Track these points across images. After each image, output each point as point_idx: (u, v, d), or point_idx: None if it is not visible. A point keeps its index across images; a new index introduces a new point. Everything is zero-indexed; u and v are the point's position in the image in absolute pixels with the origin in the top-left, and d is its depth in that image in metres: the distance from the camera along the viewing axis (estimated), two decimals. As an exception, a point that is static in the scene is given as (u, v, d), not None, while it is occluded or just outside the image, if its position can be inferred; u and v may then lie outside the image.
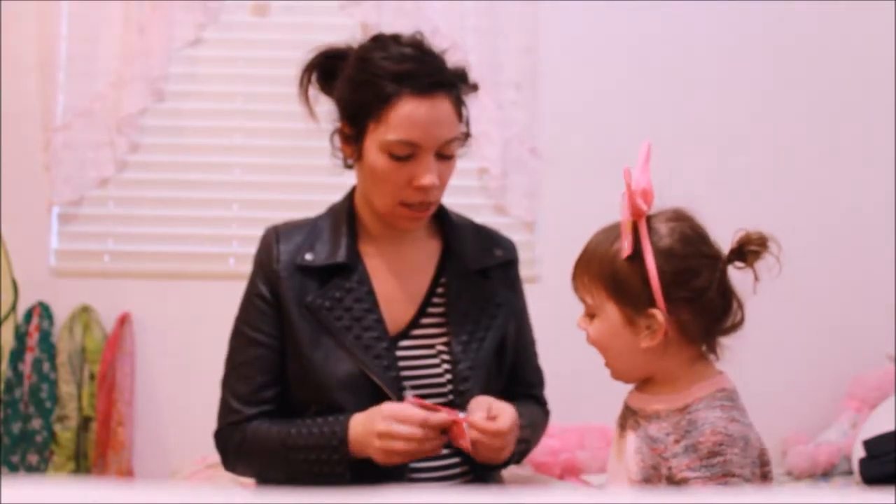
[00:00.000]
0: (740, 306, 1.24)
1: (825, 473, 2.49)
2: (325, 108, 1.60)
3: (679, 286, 1.20)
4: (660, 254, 1.21)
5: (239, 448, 1.53)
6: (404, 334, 1.54)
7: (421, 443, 1.37)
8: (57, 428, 2.63)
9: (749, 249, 1.22)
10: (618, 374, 1.30)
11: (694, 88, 2.86)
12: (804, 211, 2.80)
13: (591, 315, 1.28)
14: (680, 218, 1.25)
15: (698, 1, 2.86)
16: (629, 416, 1.27)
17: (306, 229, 1.57)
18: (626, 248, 1.21)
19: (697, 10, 2.86)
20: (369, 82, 1.46)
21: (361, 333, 1.49)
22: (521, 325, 1.68)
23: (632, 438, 1.24)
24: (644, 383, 1.29)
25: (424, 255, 1.61)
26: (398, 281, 1.57)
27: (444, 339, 1.54)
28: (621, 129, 2.84)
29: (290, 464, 1.47)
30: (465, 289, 1.58)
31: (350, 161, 1.58)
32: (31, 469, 2.60)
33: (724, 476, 1.13)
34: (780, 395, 2.61)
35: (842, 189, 2.84)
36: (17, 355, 2.65)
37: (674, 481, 1.17)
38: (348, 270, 1.53)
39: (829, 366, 2.73)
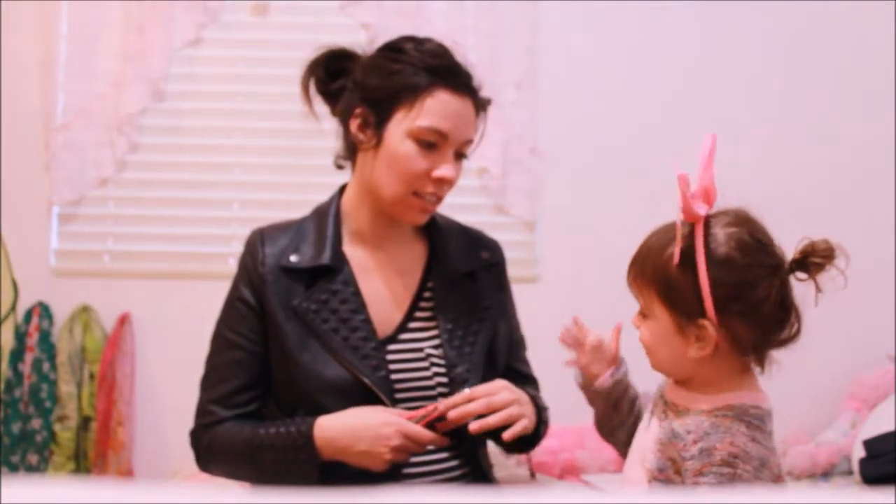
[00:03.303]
0: (798, 318, 1.19)
1: (825, 473, 2.49)
2: (325, 108, 1.61)
3: (734, 299, 1.15)
4: (715, 263, 1.15)
5: (209, 448, 1.53)
6: (392, 338, 1.53)
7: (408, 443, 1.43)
8: (57, 428, 2.63)
9: (812, 261, 1.17)
10: (660, 370, 1.27)
11: (693, 88, 2.86)
12: (804, 211, 2.80)
13: (643, 314, 1.24)
14: (740, 222, 1.19)
15: (698, 1, 2.86)
16: (660, 405, 1.25)
17: (291, 231, 1.57)
18: (676, 255, 1.16)
19: (697, 9, 2.86)
20: (404, 71, 1.49)
21: (349, 335, 1.49)
22: (511, 324, 1.69)
23: (656, 427, 1.22)
24: (683, 380, 1.26)
25: (411, 257, 1.61)
26: (385, 283, 1.56)
27: (432, 343, 1.54)
28: (621, 129, 2.84)
29: (257, 464, 1.48)
30: (452, 292, 1.58)
31: (341, 161, 1.59)
32: (31, 469, 2.60)
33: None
34: (780, 395, 2.60)
35: (841, 188, 2.84)
36: (17, 355, 2.65)
37: (685, 485, 1.15)
38: (333, 272, 1.52)
39: (829, 366, 2.73)
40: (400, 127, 1.48)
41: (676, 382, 1.27)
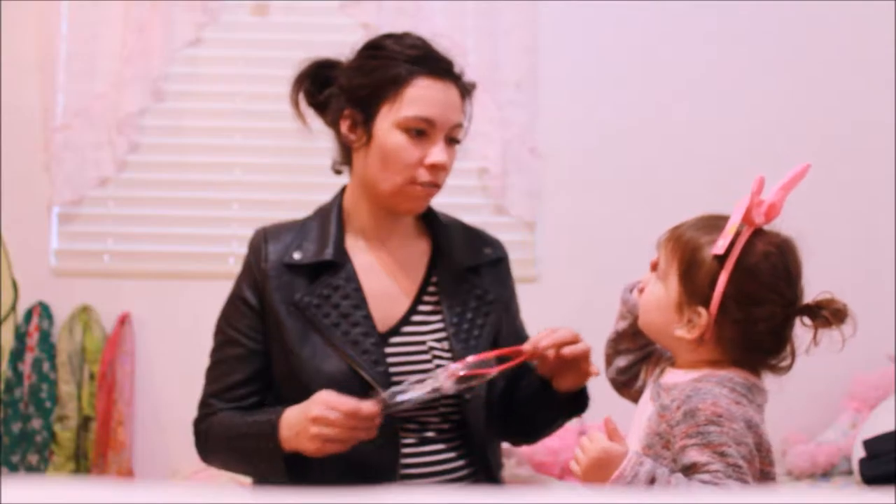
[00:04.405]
0: (792, 355, 1.25)
1: (825, 473, 2.49)
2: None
3: (737, 305, 1.21)
4: (740, 268, 1.21)
5: (205, 436, 1.57)
6: (395, 331, 1.55)
7: (352, 431, 1.38)
8: (57, 428, 2.63)
9: (822, 314, 1.22)
10: (645, 328, 1.33)
11: (693, 88, 2.86)
12: (804, 211, 2.80)
13: (657, 276, 1.30)
14: (782, 249, 1.24)
15: (698, 1, 2.86)
16: (655, 389, 1.28)
17: (295, 229, 1.60)
18: (720, 247, 1.21)
19: (698, 9, 2.86)
20: (383, 66, 1.51)
21: (349, 330, 1.50)
22: (515, 320, 1.70)
23: (649, 407, 1.26)
24: (675, 363, 1.31)
25: (414, 253, 1.62)
26: (388, 278, 1.58)
27: (436, 336, 1.55)
28: (621, 129, 2.84)
29: (239, 452, 1.52)
30: (457, 285, 1.60)
31: (339, 166, 1.62)
32: (31, 469, 2.60)
33: (720, 446, 1.14)
34: (780, 395, 2.60)
35: (842, 188, 2.84)
36: (17, 355, 2.65)
37: (675, 451, 1.18)
38: (336, 268, 1.55)
39: (829, 366, 2.72)
40: (387, 120, 1.50)
41: (672, 366, 1.31)
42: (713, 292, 1.21)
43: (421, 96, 1.50)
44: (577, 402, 1.57)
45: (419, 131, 1.50)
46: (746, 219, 1.23)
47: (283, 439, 1.44)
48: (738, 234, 1.22)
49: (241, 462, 1.55)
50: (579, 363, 1.47)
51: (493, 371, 1.42)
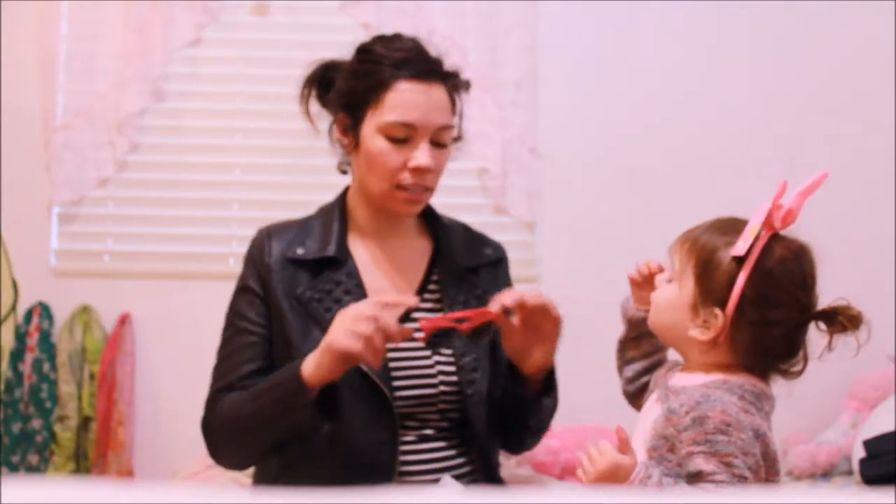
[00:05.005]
0: (804, 361, 1.26)
1: (825, 473, 2.49)
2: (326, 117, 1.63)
3: (753, 308, 1.21)
4: (758, 271, 1.21)
5: (216, 425, 1.52)
6: None
7: (381, 326, 1.35)
8: (57, 428, 2.63)
9: (838, 320, 1.23)
10: (655, 329, 1.33)
11: (693, 87, 2.86)
12: (805, 210, 2.80)
13: (670, 280, 1.31)
14: (799, 254, 1.26)
15: (699, 1, 2.86)
16: (663, 391, 1.29)
17: (297, 227, 1.61)
18: (740, 248, 1.22)
19: (698, 9, 2.86)
20: (370, 70, 1.52)
21: None
22: None
23: (656, 410, 1.26)
24: (684, 366, 1.32)
25: (415, 252, 1.64)
26: (389, 275, 1.60)
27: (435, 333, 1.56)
28: (621, 129, 2.84)
29: (256, 416, 1.45)
30: (458, 284, 1.61)
31: (345, 166, 1.64)
32: (31, 469, 2.60)
33: (727, 456, 1.14)
34: (780, 395, 2.60)
35: (842, 189, 2.84)
36: (17, 355, 2.65)
37: (681, 456, 1.19)
38: (338, 264, 1.56)
39: (829, 366, 2.72)
40: (371, 125, 1.52)
41: (680, 370, 1.32)
42: (730, 293, 1.21)
43: (402, 100, 1.50)
44: (546, 388, 1.56)
45: (401, 136, 1.50)
46: (766, 222, 1.24)
47: (308, 372, 1.39)
48: (756, 238, 1.23)
49: (260, 427, 1.46)
50: (546, 333, 1.46)
51: (462, 327, 1.44)
